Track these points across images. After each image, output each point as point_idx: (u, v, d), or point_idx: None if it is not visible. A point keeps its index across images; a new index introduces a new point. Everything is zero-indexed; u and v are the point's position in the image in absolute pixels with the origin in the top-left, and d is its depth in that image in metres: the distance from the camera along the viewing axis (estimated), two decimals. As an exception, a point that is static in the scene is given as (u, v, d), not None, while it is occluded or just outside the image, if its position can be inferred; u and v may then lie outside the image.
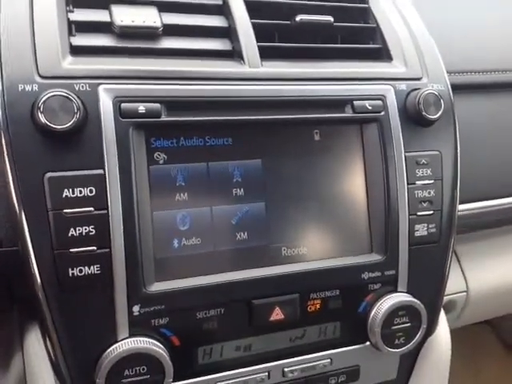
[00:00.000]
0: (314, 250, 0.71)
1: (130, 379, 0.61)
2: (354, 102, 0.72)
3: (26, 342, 0.69)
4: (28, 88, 0.58)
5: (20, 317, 0.72)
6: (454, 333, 0.87)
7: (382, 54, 0.80)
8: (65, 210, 0.58)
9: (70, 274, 0.58)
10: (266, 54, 0.71)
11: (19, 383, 0.73)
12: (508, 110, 0.96)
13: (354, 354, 0.76)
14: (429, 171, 0.75)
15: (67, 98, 0.57)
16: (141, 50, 0.67)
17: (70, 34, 0.65)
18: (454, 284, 0.96)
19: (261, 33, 0.72)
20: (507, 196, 0.92)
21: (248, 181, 0.68)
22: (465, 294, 1.00)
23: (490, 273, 1.02)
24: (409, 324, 0.75)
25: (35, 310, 0.61)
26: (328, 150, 0.72)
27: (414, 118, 0.75)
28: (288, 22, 0.75)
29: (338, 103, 0.72)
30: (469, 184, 0.84)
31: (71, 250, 0.58)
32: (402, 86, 0.76)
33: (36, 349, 0.67)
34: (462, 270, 1.00)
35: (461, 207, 0.81)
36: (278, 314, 0.68)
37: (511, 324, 1.75)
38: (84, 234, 0.59)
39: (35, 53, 0.60)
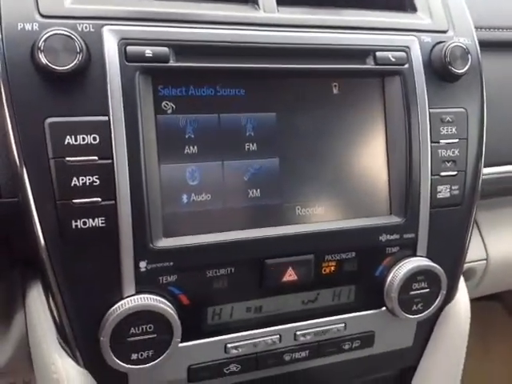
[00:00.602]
0: (329, 210, 0.68)
1: (135, 338, 0.59)
2: (377, 53, 0.67)
3: (28, 300, 0.67)
4: (28, 27, 0.54)
5: (21, 274, 0.70)
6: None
7: (406, 4, 0.76)
8: (67, 158, 0.55)
9: (74, 226, 0.56)
10: (282, 0, 0.66)
11: (21, 342, 0.72)
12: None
13: (369, 319, 0.73)
14: (453, 129, 0.72)
15: (69, 37, 0.54)
16: None
17: None
18: (473, 252, 0.93)
19: None
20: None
21: (261, 135, 0.64)
22: (484, 262, 0.96)
23: (510, 241, 0.99)
24: (427, 289, 0.72)
25: (37, 267, 0.59)
26: (347, 104, 0.68)
27: (440, 73, 0.71)
28: None
29: (359, 54, 0.68)
30: (494, 146, 0.80)
31: (74, 200, 0.55)
32: (427, 38, 0.72)
33: (38, 307, 0.65)
34: (482, 238, 0.97)
35: (485, 170, 0.77)
36: (290, 275, 0.66)
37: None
38: (88, 184, 0.56)
39: None
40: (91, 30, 0.56)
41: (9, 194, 0.58)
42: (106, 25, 0.57)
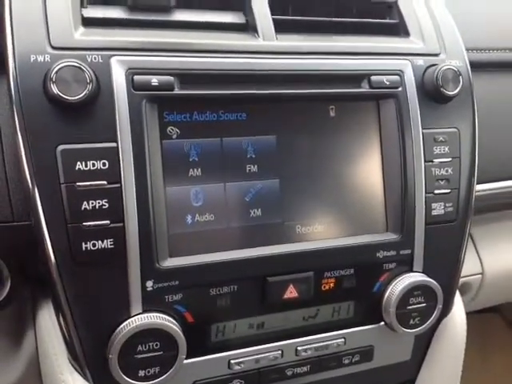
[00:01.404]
0: (328, 228, 0.70)
1: (143, 355, 0.61)
2: (372, 77, 0.70)
3: (39, 318, 0.69)
4: (40, 59, 0.57)
5: (32, 293, 0.72)
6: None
7: (399, 29, 0.78)
8: (78, 183, 0.57)
9: (84, 248, 0.58)
10: (280, 28, 0.69)
11: (31, 360, 0.73)
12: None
13: (367, 334, 0.75)
14: (446, 149, 0.74)
15: (80, 68, 0.56)
16: (153, 23, 0.65)
17: (82, 5, 0.63)
18: (469, 266, 0.96)
19: (275, 5, 0.70)
20: (525, 176, 0.91)
21: (262, 157, 0.67)
22: (480, 276, 0.99)
23: (505, 255, 1.01)
24: (424, 304, 0.74)
25: (48, 286, 0.61)
26: (344, 126, 0.71)
27: (432, 95, 0.73)
28: None
29: (355, 78, 0.70)
30: (486, 164, 0.82)
31: (84, 223, 0.58)
32: (420, 61, 0.74)
33: (48, 325, 0.67)
34: (477, 252, 0.99)
35: (478, 187, 0.80)
36: (291, 292, 0.68)
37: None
38: (97, 207, 0.58)
39: (47, 23, 0.59)
40: (100, 60, 0.59)
41: (21, 218, 0.61)
42: (114, 55, 0.60)
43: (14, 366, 0.74)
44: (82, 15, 0.62)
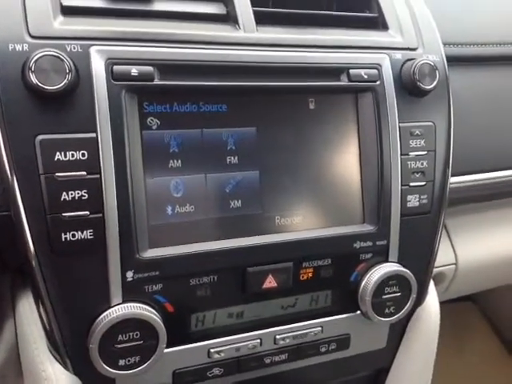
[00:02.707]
0: (307, 219, 0.71)
1: (123, 344, 0.61)
2: (350, 71, 0.71)
3: (18, 308, 0.69)
4: (18, 47, 0.56)
5: (11, 283, 0.72)
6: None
7: (378, 23, 0.79)
8: (57, 174, 0.57)
9: (63, 239, 0.58)
10: (261, 20, 0.69)
11: (10, 350, 0.73)
12: (502, 83, 0.95)
13: (344, 322, 0.77)
14: (422, 142, 0.76)
15: (58, 58, 0.56)
16: (133, 12, 0.65)
17: None
18: (443, 256, 0.98)
19: None
20: (499, 170, 0.93)
21: (242, 149, 0.67)
22: (454, 266, 1.01)
23: (478, 246, 1.04)
24: (399, 293, 0.76)
25: (27, 276, 0.61)
26: (322, 118, 0.71)
27: (409, 88, 0.74)
28: None
29: (334, 71, 0.71)
30: (461, 157, 0.84)
31: (64, 214, 0.58)
32: (398, 55, 0.75)
33: (28, 315, 0.67)
34: (451, 243, 1.01)
35: (452, 180, 0.81)
36: (271, 282, 0.69)
37: (495, 301, 1.79)
38: (76, 198, 0.58)
39: (25, 12, 0.58)
40: (79, 50, 0.59)
41: (0, 208, 0.60)
42: (94, 45, 0.59)
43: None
44: (60, 3, 0.61)
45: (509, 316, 1.81)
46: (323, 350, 0.76)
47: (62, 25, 0.60)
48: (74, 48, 0.59)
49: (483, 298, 1.78)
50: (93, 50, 0.59)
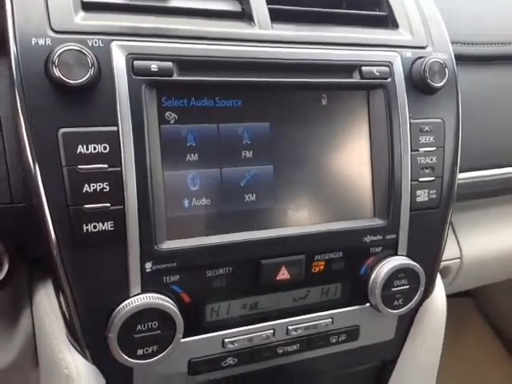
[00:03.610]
0: (319, 213, 0.72)
1: (141, 334, 0.63)
2: (362, 68, 0.72)
3: (36, 299, 0.70)
4: (41, 42, 0.57)
5: (29, 274, 0.73)
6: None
7: (388, 21, 0.80)
8: (79, 166, 0.58)
9: (85, 230, 0.59)
10: (275, 17, 0.71)
11: (28, 340, 0.74)
12: (507, 82, 0.97)
13: (354, 314, 0.78)
14: (431, 138, 0.77)
15: (81, 52, 0.57)
16: (151, 8, 0.66)
17: None
18: (448, 251, 0.99)
19: None
20: (504, 166, 0.95)
21: (257, 143, 0.69)
22: (459, 260, 1.03)
23: (482, 241, 1.05)
24: (407, 286, 0.77)
25: (47, 267, 0.62)
26: (334, 114, 0.73)
27: (419, 86, 0.76)
28: None
29: (347, 68, 0.72)
30: (468, 153, 0.85)
31: (85, 206, 0.59)
32: (408, 53, 0.76)
33: (46, 306, 0.68)
34: (456, 238, 1.03)
35: (460, 176, 0.83)
36: (284, 274, 0.70)
37: (494, 298, 1.81)
38: (98, 190, 0.59)
39: (47, 7, 0.59)
40: (101, 45, 0.60)
41: (20, 200, 0.61)
42: (115, 40, 0.61)
43: (11, 346, 0.75)
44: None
45: (506, 312, 1.84)
46: (333, 340, 0.77)
47: (83, 20, 0.61)
48: (96, 43, 0.60)
49: (482, 294, 1.80)
50: (114, 45, 0.60)
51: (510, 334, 1.83)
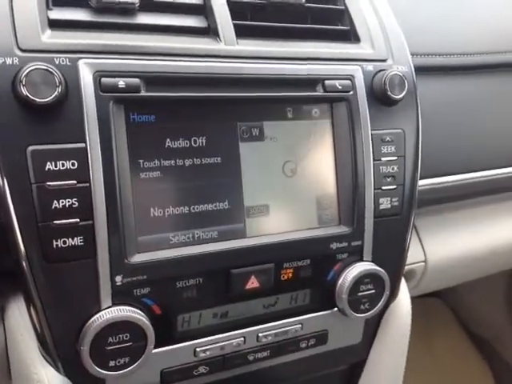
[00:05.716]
0: (287, 222, 0.74)
1: (113, 346, 0.63)
2: (325, 82, 0.75)
3: (7, 313, 0.70)
4: (9, 61, 0.58)
5: (0, 288, 0.73)
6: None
7: (350, 35, 0.83)
8: (48, 183, 0.59)
9: (54, 246, 0.60)
10: (240, 33, 0.72)
11: (0, 354, 0.74)
12: (466, 91, 1.01)
13: (322, 319, 0.80)
14: (393, 148, 0.80)
15: (48, 71, 0.58)
16: (118, 26, 0.67)
17: (47, 7, 0.64)
18: (413, 255, 1.03)
19: (235, 11, 0.73)
20: (463, 172, 0.99)
21: (225, 156, 0.70)
22: (423, 264, 1.06)
23: (445, 245, 1.09)
24: (373, 291, 0.80)
25: (18, 282, 0.62)
26: (300, 127, 0.75)
27: (380, 98, 0.78)
28: (262, 1, 0.77)
29: (311, 82, 0.75)
30: (428, 161, 0.89)
31: (55, 222, 0.59)
32: (370, 66, 0.79)
33: (18, 320, 0.68)
34: (420, 242, 1.07)
35: (421, 182, 0.86)
36: (253, 283, 0.72)
37: (460, 296, 1.87)
38: (67, 206, 0.60)
39: (14, 26, 0.60)
40: (68, 63, 0.61)
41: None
42: (82, 58, 0.62)
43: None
44: (48, 17, 0.63)
45: (473, 309, 1.89)
46: (303, 345, 0.79)
47: (50, 38, 0.61)
48: (63, 61, 0.61)
49: (449, 293, 1.86)
50: (81, 63, 0.61)
51: (476, 329, 1.89)
